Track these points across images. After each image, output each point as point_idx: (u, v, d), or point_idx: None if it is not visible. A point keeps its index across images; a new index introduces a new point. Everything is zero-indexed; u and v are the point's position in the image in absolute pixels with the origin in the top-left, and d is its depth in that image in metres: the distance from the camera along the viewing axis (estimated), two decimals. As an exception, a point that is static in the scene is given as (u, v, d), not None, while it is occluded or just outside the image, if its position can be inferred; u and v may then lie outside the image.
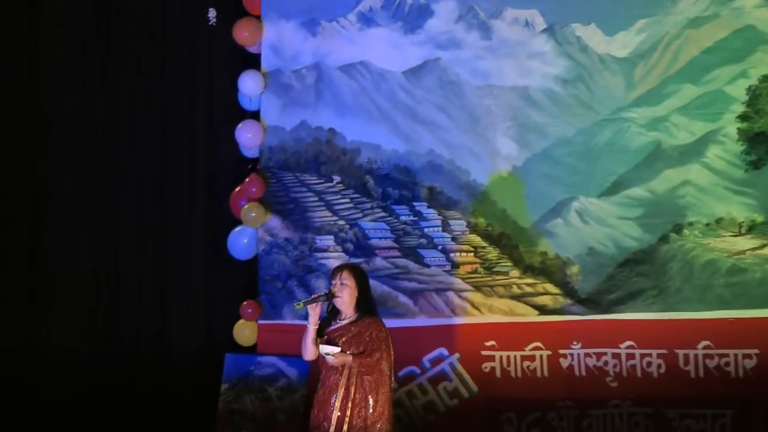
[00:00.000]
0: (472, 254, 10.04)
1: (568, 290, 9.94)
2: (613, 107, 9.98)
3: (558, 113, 10.02)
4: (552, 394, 9.67)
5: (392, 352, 7.36)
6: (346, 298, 7.33)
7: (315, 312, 7.19)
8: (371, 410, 7.16)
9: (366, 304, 7.39)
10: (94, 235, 10.32)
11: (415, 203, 10.08)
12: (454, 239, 10.03)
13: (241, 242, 10.16)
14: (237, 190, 10.15)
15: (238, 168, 10.20)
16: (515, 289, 10.01)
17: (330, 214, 10.14)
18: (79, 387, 10.03)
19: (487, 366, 9.83)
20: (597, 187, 9.97)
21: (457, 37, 10.08)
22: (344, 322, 7.34)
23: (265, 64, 10.24)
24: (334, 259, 10.00)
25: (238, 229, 10.16)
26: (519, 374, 9.78)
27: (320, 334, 7.32)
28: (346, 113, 10.13)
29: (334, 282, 7.30)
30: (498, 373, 9.79)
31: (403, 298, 9.97)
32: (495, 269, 10.05)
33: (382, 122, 10.11)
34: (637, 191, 9.92)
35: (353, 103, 10.14)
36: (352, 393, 7.08)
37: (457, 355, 9.84)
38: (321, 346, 7.12)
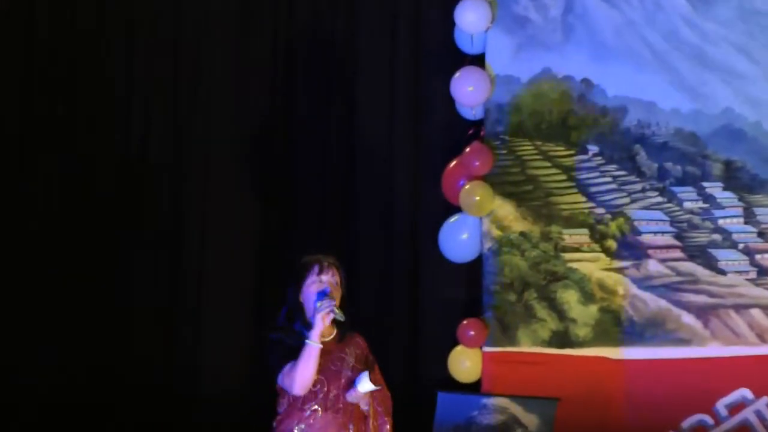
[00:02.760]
0: (789, 256, 8.66)
1: None
2: None
3: None
4: None
5: None
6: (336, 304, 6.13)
7: (325, 323, 5.95)
8: None
9: (347, 314, 6.16)
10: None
11: (705, 184, 8.67)
12: (761, 235, 8.55)
13: (459, 238, 8.79)
14: (452, 165, 8.78)
15: (453, 134, 8.97)
16: None
17: (584, 199, 8.81)
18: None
19: (813, 417, 8.41)
20: None
21: (767, -58, 8.83)
22: (328, 339, 6.12)
23: (493, -12, 9.10)
24: (590, 261, 8.74)
25: (454, 219, 8.81)
26: None
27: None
28: (607, 58, 8.83)
29: (322, 279, 6.09)
30: (831, 428, 8.47)
31: (687, 318, 8.57)
32: (822, 278, 8.61)
33: (657, 70, 8.75)
34: None
35: (616, 44, 8.81)
36: None
37: (766, 399, 8.37)
38: (363, 381, 6.01)
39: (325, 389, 6.08)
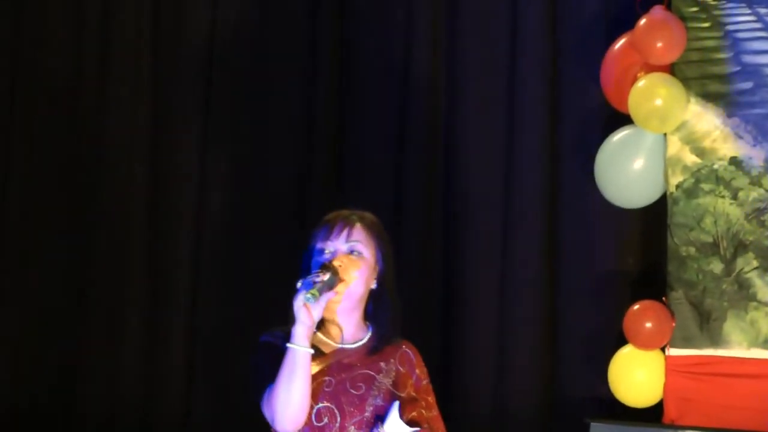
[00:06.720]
0: None
1: None
2: None
3: None
4: None
5: None
6: (360, 284, 4.48)
7: (312, 314, 4.33)
8: None
9: (388, 304, 4.57)
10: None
11: None
12: None
13: (629, 167, 6.64)
14: (618, 46, 6.60)
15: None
16: None
17: None
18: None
19: None
20: None
21: None
22: (352, 346, 4.58)
23: None
24: None
25: (620, 135, 6.61)
26: None
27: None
28: None
29: (327, 246, 4.50)
30: None
31: None
32: None
33: None
34: None
35: None
36: None
37: None
38: (392, 417, 4.46)
39: (337, 425, 4.55)
